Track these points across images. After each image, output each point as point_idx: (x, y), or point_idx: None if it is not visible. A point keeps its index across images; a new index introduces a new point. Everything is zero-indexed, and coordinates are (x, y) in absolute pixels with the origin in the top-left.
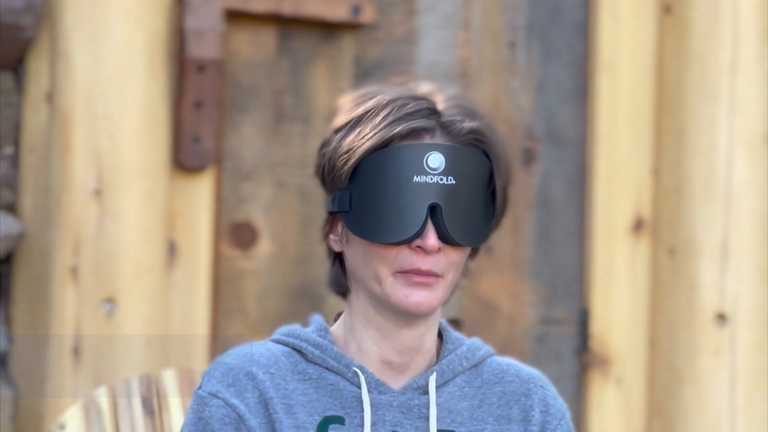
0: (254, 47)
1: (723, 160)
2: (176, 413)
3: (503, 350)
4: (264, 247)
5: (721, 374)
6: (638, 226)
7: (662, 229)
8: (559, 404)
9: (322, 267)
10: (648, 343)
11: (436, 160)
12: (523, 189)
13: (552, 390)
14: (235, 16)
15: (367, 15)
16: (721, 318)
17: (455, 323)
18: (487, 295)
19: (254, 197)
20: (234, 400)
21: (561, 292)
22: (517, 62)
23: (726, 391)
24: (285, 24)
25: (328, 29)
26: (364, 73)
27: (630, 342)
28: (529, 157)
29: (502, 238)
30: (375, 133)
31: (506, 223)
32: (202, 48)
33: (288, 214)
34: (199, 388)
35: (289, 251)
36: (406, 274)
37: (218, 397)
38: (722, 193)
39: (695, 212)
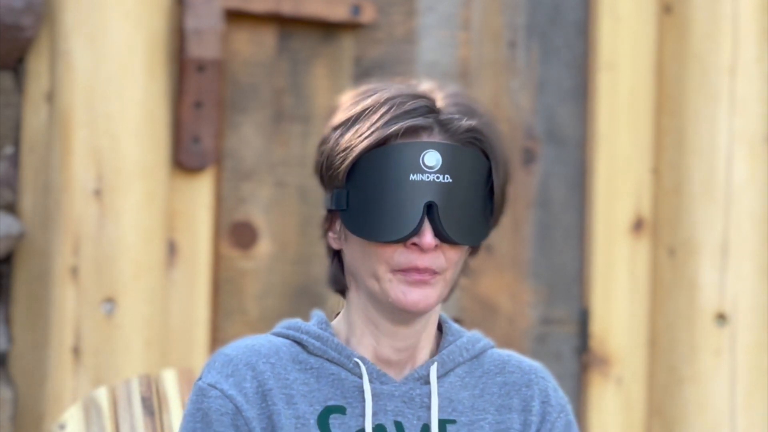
0: (254, 47)
1: (723, 160)
2: (176, 413)
3: None
4: (264, 247)
5: (721, 374)
6: (638, 226)
7: (662, 229)
8: (560, 396)
9: (322, 266)
10: (648, 343)
11: (432, 158)
12: (523, 189)
13: (553, 382)
14: (235, 16)
15: (367, 15)
16: (721, 318)
17: (455, 323)
18: (487, 295)
19: (254, 197)
20: (232, 391)
21: (561, 292)
22: (517, 62)
23: (726, 391)
24: (285, 24)
25: (328, 29)
26: (364, 73)
27: (630, 342)
28: (529, 157)
29: (502, 238)
30: (372, 132)
31: (506, 223)
32: (202, 48)
33: (288, 214)
34: (199, 379)
35: (289, 251)
36: (404, 272)
37: (217, 388)
38: (722, 193)
39: (695, 212)
